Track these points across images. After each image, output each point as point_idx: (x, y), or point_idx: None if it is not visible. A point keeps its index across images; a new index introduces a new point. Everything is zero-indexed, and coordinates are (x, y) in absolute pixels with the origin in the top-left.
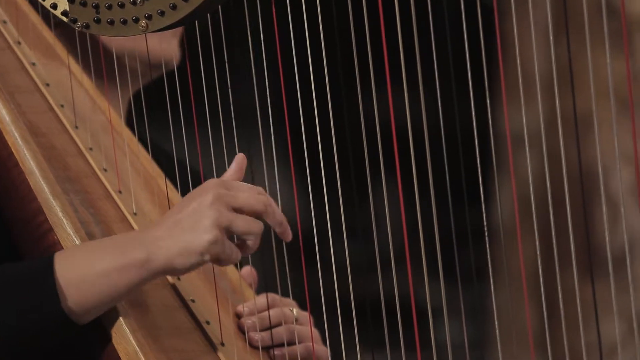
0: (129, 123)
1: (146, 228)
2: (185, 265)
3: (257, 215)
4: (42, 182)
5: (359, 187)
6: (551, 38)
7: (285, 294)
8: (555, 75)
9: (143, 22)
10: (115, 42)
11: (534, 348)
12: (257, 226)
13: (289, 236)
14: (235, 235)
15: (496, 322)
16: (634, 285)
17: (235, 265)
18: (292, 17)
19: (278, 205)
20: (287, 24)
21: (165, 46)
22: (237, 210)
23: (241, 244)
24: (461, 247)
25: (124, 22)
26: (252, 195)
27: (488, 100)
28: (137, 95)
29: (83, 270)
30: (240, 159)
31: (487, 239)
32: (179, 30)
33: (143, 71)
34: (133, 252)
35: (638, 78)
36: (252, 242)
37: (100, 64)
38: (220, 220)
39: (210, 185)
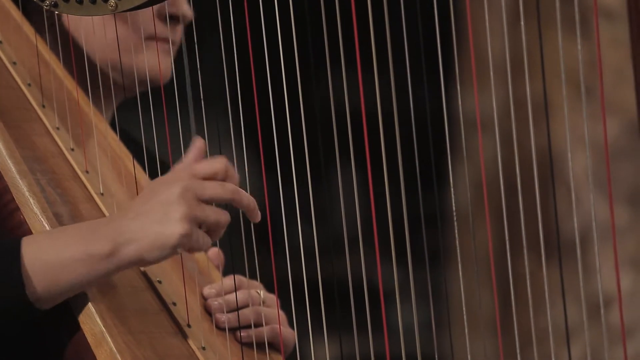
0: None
1: (114, 216)
2: (156, 258)
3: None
4: (9, 161)
5: (327, 171)
6: (505, 26)
7: (252, 276)
8: (513, 60)
9: (112, 2)
10: (101, 52)
11: (495, 332)
12: (224, 217)
13: (257, 217)
14: None
15: (464, 307)
16: (588, 269)
17: None
18: (262, 1)
19: (246, 188)
20: (257, 9)
21: (155, 63)
22: (206, 201)
23: (207, 233)
24: (429, 230)
25: (93, 1)
26: (219, 184)
27: (443, 85)
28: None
29: (49, 258)
30: (198, 142)
31: (455, 223)
32: (174, 48)
33: (125, 85)
34: (99, 243)
35: (594, 63)
36: (218, 231)
37: (84, 75)
38: (189, 213)
39: (177, 177)
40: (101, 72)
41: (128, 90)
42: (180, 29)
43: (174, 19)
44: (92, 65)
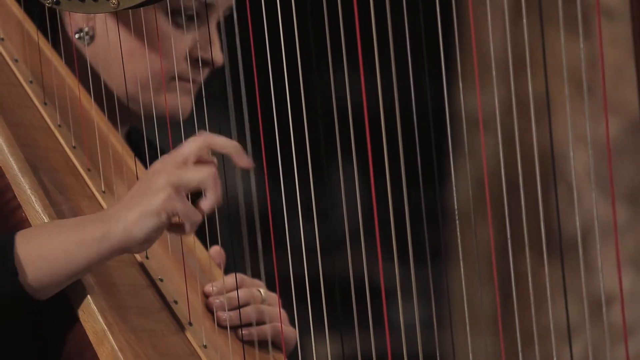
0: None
1: (107, 207)
2: (144, 230)
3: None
4: (11, 159)
5: (328, 169)
6: (507, 23)
7: (254, 274)
8: (515, 58)
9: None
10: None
11: (496, 330)
12: (206, 170)
13: (247, 162)
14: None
15: (465, 305)
16: (589, 267)
17: (204, 245)
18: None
19: (248, 185)
20: (259, 6)
21: (175, 101)
22: (184, 162)
23: (201, 201)
24: (430, 228)
25: None
26: (189, 143)
27: (445, 83)
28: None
29: (42, 246)
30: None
31: (457, 221)
32: (197, 86)
33: (147, 116)
34: (92, 226)
35: (595, 61)
36: (212, 190)
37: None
38: (169, 178)
39: (159, 164)
40: (118, 102)
41: (146, 119)
42: (206, 72)
43: (205, 63)
44: (110, 93)
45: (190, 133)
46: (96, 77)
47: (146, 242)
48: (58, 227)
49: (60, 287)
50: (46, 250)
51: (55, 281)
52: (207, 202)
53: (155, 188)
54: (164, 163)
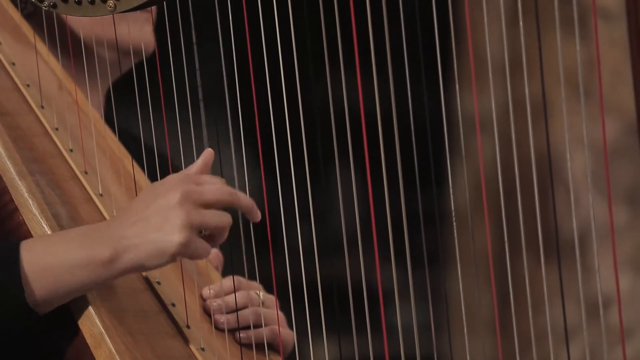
0: (107, 118)
1: (114, 219)
2: (156, 265)
3: (225, 207)
4: (8, 162)
5: (326, 172)
6: (504, 26)
7: (251, 277)
8: (512, 60)
9: (111, 2)
10: (83, 29)
11: (494, 333)
12: (226, 220)
13: (257, 216)
14: None
15: (463, 307)
16: (588, 270)
17: None
18: (261, 3)
19: (246, 189)
20: (256, 11)
21: (136, 33)
22: (206, 205)
23: (209, 237)
24: (428, 231)
25: (92, 1)
26: (217, 188)
27: (442, 86)
28: (107, 86)
29: (48, 263)
30: (208, 154)
31: (454, 223)
32: (152, 15)
33: (113, 60)
34: (99, 249)
35: (593, 63)
36: (222, 234)
37: (69, 54)
38: (189, 220)
39: (176, 182)
40: (86, 48)
41: (113, 65)
42: None
43: None
44: (76, 39)
45: (187, 137)
46: (63, 26)
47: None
48: (64, 243)
49: (60, 303)
50: (52, 268)
51: (60, 298)
52: (211, 244)
53: (173, 224)
54: (182, 188)
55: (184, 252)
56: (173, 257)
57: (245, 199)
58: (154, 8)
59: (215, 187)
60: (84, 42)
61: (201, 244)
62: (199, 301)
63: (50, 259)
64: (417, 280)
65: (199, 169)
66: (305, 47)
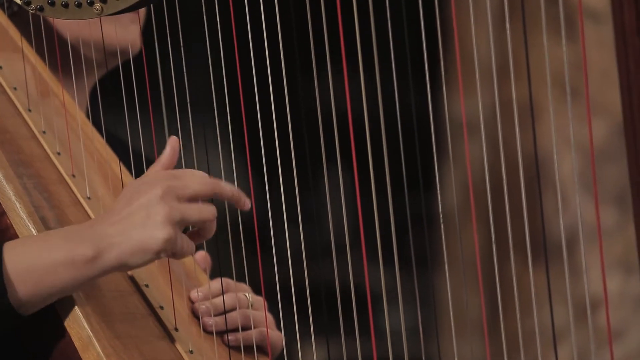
0: (92, 118)
1: (96, 219)
2: (139, 263)
3: (209, 199)
4: None
5: (314, 175)
6: (490, 28)
7: (239, 279)
8: (499, 62)
9: (98, 5)
10: (70, 30)
11: (482, 335)
12: (210, 211)
13: (246, 205)
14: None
15: (451, 310)
16: (576, 272)
17: None
18: (249, 5)
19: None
20: (243, 13)
21: (122, 33)
22: (189, 199)
23: (197, 232)
24: (416, 234)
25: (79, 5)
26: (199, 180)
27: (429, 89)
28: (92, 84)
29: (31, 262)
30: (173, 141)
31: (442, 226)
32: (138, 16)
33: (99, 60)
34: (81, 247)
35: (580, 65)
36: (208, 227)
37: (55, 55)
38: (172, 214)
39: (157, 178)
40: (72, 47)
41: (99, 66)
42: None
43: None
44: (63, 41)
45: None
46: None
47: (139, 267)
48: (47, 242)
49: (45, 304)
50: (35, 268)
51: (44, 298)
52: (199, 239)
53: (156, 220)
54: (163, 184)
55: (168, 249)
56: (157, 254)
57: (229, 189)
58: (141, 9)
59: (197, 180)
60: (70, 43)
61: (186, 240)
62: (187, 304)
63: (33, 259)
64: (405, 284)
65: (168, 157)
66: (293, 51)
